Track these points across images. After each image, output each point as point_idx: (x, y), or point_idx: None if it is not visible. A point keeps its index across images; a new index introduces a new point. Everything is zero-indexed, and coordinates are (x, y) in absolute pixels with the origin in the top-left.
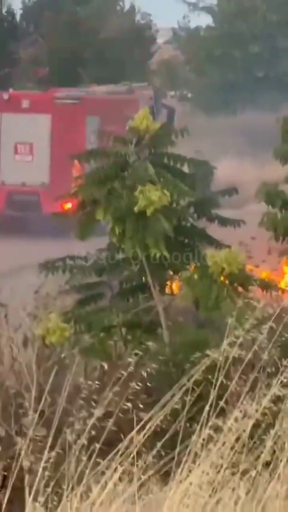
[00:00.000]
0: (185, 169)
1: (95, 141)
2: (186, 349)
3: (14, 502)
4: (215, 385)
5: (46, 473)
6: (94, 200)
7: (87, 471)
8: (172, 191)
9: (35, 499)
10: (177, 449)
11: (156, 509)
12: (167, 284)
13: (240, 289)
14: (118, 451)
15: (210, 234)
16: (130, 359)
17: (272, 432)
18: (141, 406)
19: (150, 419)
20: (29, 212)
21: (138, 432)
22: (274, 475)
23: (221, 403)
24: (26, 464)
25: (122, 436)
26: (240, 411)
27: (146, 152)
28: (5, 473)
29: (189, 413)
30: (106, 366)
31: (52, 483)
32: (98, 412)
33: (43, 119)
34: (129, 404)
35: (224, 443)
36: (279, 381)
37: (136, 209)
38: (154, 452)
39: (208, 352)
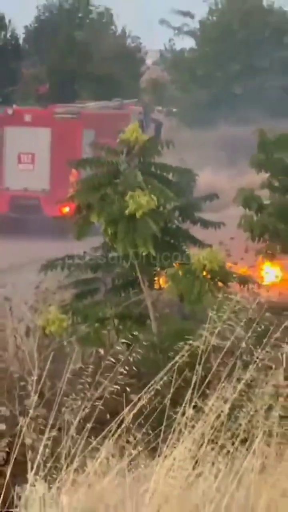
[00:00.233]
0: (171, 177)
1: (90, 152)
2: (171, 338)
3: (17, 476)
4: (197, 370)
5: (47, 450)
6: (89, 205)
7: (82, 447)
8: (159, 196)
9: (36, 473)
10: (163, 427)
11: (145, 481)
12: (155, 280)
13: (220, 284)
14: (110, 429)
15: (193, 235)
16: (118, 347)
17: (246, 411)
18: (131, 389)
19: (139, 400)
20: (31, 215)
21: (129, 412)
22: (250, 450)
23: (203, 386)
24: (28, 441)
25: (115, 415)
26: (219, 394)
27: (135, 161)
28: (8, 450)
29: (174, 395)
30: (102, 352)
31: (51, 459)
32: (93, 394)
33: (43, 132)
34: (120, 387)
35: (205, 422)
36: (254, 366)
37: (127, 212)
38: (143, 430)
39: (191, 341)
